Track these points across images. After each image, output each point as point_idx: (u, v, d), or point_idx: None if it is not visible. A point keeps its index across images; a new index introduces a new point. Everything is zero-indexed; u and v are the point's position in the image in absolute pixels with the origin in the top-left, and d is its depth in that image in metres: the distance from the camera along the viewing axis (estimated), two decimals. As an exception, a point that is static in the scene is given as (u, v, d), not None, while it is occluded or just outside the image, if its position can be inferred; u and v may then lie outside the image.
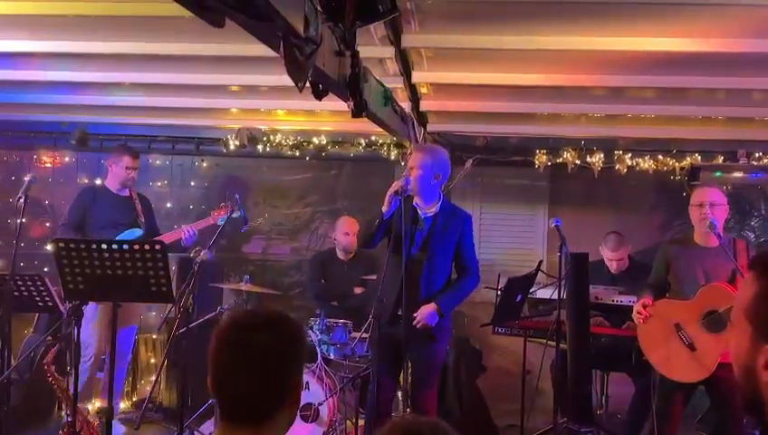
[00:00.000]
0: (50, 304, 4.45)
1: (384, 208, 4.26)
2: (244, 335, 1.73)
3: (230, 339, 1.74)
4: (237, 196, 5.41)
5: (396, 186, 4.25)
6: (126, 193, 5.67)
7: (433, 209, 4.44)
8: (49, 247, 5.31)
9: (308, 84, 2.52)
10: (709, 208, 4.37)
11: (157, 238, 4.85)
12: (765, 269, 1.30)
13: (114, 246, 3.76)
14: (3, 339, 4.31)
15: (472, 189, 6.99)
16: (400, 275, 4.19)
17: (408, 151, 6.18)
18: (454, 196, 6.95)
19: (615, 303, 5.27)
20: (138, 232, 5.43)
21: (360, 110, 2.64)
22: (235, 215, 5.26)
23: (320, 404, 5.07)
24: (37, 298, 4.42)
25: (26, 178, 4.55)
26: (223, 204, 5.44)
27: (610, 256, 5.64)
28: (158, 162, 7.26)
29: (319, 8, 2.19)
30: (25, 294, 4.39)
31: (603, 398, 5.66)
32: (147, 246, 3.77)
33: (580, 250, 4.97)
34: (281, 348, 1.73)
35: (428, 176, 4.35)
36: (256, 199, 7.24)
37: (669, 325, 4.37)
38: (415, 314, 4.27)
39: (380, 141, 6.61)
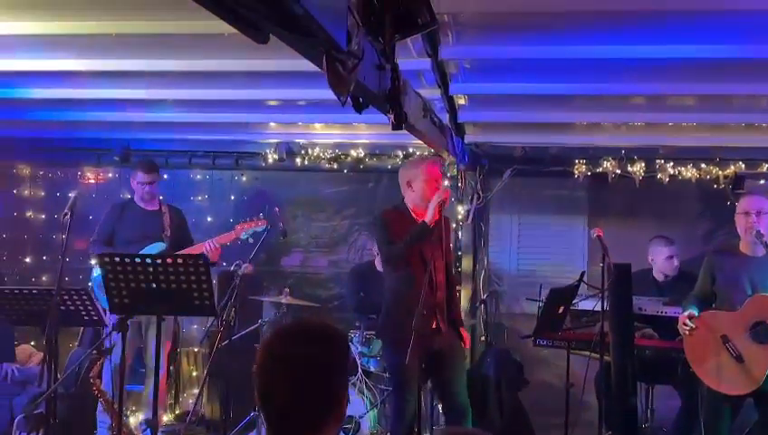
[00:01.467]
0: (95, 317, 4.52)
1: (430, 218, 4.30)
2: (290, 347, 1.73)
3: (276, 351, 1.74)
4: (277, 209, 5.45)
5: (442, 196, 4.31)
6: (154, 207, 5.71)
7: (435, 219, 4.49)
8: (93, 262, 5.38)
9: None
10: (756, 217, 4.30)
11: (179, 253, 4.84)
12: None
13: (158, 261, 3.81)
14: (50, 353, 4.37)
15: (510, 200, 6.94)
16: (432, 287, 4.24)
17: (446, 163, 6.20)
18: (492, 207, 6.93)
19: (660, 314, 5.18)
20: (160, 246, 5.45)
21: (400, 122, 2.64)
22: (259, 229, 5.26)
23: (361, 417, 5.06)
24: (83, 312, 4.49)
25: (71, 195, 4.63)
26: (248, 218, 5.45)
27: (669, 253, 5.55)
28: (198, 177, 7.35)
29: (359, 22, 2.20)
30: (71, 308, 4.46)
31: (648, 411, 5.56)
32: (190, 260, 3.82)
33: (621, 261, 4.90)
34: (326, 360, 1.73)
35: None
36: (294, 213, 7.28)
37: (716, 337, 4.29)
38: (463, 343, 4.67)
39: (417, 153, 6.61)
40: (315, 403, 1.71)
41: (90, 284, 5.50)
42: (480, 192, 6.64)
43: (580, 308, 5.31)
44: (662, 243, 5.57)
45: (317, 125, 6.24)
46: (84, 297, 4.43)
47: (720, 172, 6.21)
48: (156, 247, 5.41)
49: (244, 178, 7.37)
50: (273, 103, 5.55)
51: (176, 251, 5.28)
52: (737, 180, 6.14)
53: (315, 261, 7.38)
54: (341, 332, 1.84)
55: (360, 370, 5.15)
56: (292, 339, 1.76)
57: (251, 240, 5.17)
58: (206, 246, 5.44)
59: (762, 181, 6.33)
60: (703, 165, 6.23)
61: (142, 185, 5.64)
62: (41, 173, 7.65)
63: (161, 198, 5.88)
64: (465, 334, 4.73)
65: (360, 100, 2.54)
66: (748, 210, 4.35)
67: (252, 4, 1.43)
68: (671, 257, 5.56)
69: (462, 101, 5.24)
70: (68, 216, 4.47)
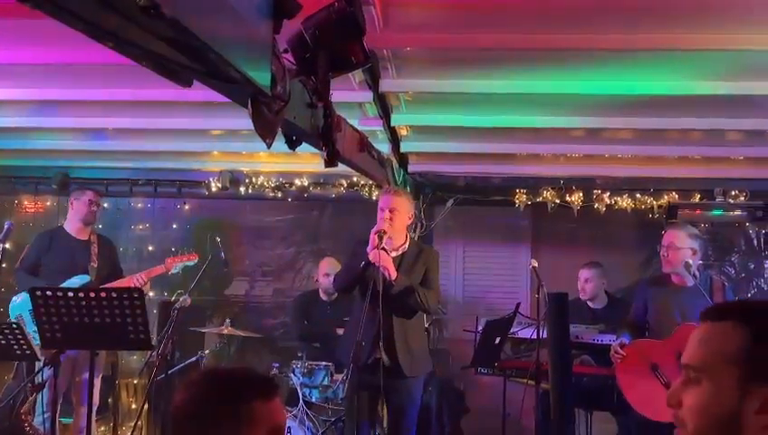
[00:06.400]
0: (27, 352, 4.40)
1: (369, 250, 4.28)
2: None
3: None
4: (218, 238, 5.41)
5: (378, 227, 4.31)
6: (84, 236, 5.48)
7: (401, 249, 4.48)
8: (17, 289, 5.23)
9: (282, 135, 2.55)
10: (666, 250, 4.48)
11: (104, 287, 4.69)
12: (746, 314, 1.33)
13: (91, 294, 3.75)
14: (-20, 387, 4.27)
15: (454, 229, 7.03)
16: (376, 316, 4.19)
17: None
18: (436, 235, 6.99)
19: (596, 342, 5.28)
20: (84, 278, 5.27)
21: (332, 159, 2.67)
22: (190, 263, 5.22)
23: (301, 449, 5.02)
24: (15, 346, 4.38)
25: (6, 226, 4.54)
26: (178, 249, 5.43)
27: (579, 275, 5.70)
28: (139, 205, 7.27)
29: (290, 63, 2.23)
30: (3, 342, 4.34)
31: (588, 437, 5.64)
32: (124, 294, 3.77)
33: (561, 288, 4.98)
34: (186, 408, 1.71)
35: (404, 217, 4.47)
36: (239, 241, 7.24)
37: (646, 365, 4.39)
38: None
39: (362, 182, 6.65)
40: None
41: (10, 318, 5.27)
42: (423, 221, 6.70)
43: (519, 336, 5.38)
44: (583, 267, 5.72)
45: (261, 154, 6.23)
46: (17, 331, 4.32)
47: (654, 202, 6.39)
48: (79, 280, 5.21)
49: (187, 207, 7.31)
50: (216, 132, 5.53)
51: (103, 283, 5.12)
52: (671, 210, 6.31)
53: (260, 290, 7.34)
54: (228, 376, 1.79)
55: (301, 400, 5.11)
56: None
57: (181, 274, 5.14)
58: (133, 281, 5.28)
59: (696, 211, 6.52)
60: (638, 195, 6.42)
61: (92, 204, 5.42)
62: (-24, 201, 7.46)
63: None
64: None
65: (293, 138, 2.56)
66: (662, 244, 4.54)
67: (168, 53, 1.44)
68: (579, 280, 5.71)
69: (404, 132, 5.30)
70: (1, 245, 4.39)
